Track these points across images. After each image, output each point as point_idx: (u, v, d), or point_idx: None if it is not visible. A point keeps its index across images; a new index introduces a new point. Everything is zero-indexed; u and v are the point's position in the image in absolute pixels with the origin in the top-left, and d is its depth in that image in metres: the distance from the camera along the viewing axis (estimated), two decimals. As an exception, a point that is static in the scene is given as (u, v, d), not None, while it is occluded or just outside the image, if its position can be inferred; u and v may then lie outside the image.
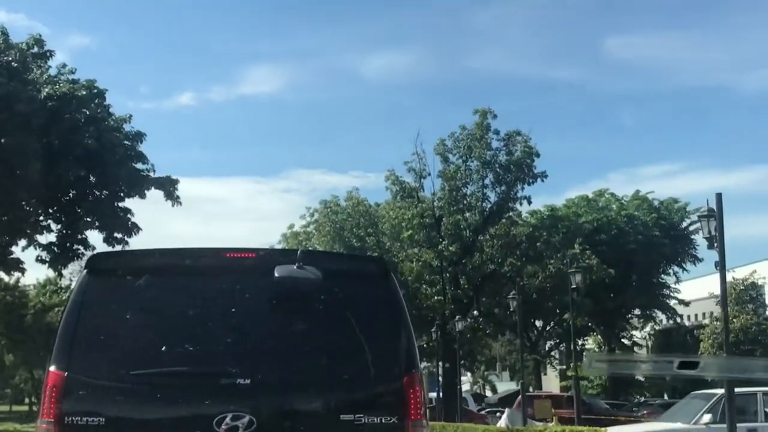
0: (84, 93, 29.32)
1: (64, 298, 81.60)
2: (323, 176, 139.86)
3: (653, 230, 61.17)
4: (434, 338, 49.40)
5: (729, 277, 63.16)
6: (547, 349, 71.50)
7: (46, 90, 28.31)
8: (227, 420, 6.17)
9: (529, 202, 48.41)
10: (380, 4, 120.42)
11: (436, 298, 48.69)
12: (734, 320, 59.03)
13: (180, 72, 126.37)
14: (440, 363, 51.29)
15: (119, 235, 32.47)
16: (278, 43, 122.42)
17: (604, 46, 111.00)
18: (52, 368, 6.37)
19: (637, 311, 67.12)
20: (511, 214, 48.72)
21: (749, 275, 61.35)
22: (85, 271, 6.95)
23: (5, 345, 79.81)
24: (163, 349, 6.44)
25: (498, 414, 47.77)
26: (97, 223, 32.28)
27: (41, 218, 32.23)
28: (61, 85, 28.85)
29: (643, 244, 59.91)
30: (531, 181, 47.65)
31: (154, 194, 32.58)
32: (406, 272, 48.45)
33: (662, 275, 65.67)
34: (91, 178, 31.06)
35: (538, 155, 47.61)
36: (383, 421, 6.47)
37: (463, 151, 47.99)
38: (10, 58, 28.57)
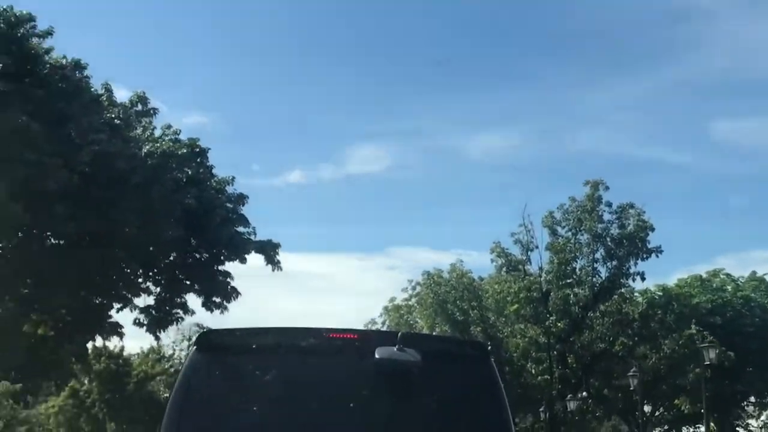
0: (185, 151, 28.42)
1: (166, 367, 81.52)
2: (426, 254, 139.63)
3: (768, 313, 58.03)
4: (542, 418, 46.80)
5: None
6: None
7: (147, 147, 27.50)
8: None
9: (643, 279, 45.73)
10: (484, 85, 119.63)
11: (542, 377, 46.39)
12: None
13: (291, 150, 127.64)
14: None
15: (218, 299, 31.41)
16: (384, 122, 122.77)
17: (712, 129, 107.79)
18: None
19: (752, 398, 63.52)
20: (623, 290, 46.12)
21: None
22: (194, 347, 7.18)
23: (107, 413, 79.38)
24: (267, 427, 6.51)
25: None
26: (196, 287, 31.26)
27: (140, 280, 31.30)
28: (163, 143, 27.96)
29: (761, 328, 56.62)
30: (645, 256, 45.17)
31: (255, 263, 31.54)
32: (511, 348, 46.45)
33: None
34: (192, 240, 30.04)
35: (652, 229, 45.24)
36: None
37: (572, 224, 45.91)
38: (113, 116, 27.90)
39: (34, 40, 27.53)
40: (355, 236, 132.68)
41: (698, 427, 72.92)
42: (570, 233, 46.01)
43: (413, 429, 6.62)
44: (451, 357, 7.17)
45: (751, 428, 66.92)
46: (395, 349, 6.53)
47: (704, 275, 60.56)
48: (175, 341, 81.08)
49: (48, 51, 27.74)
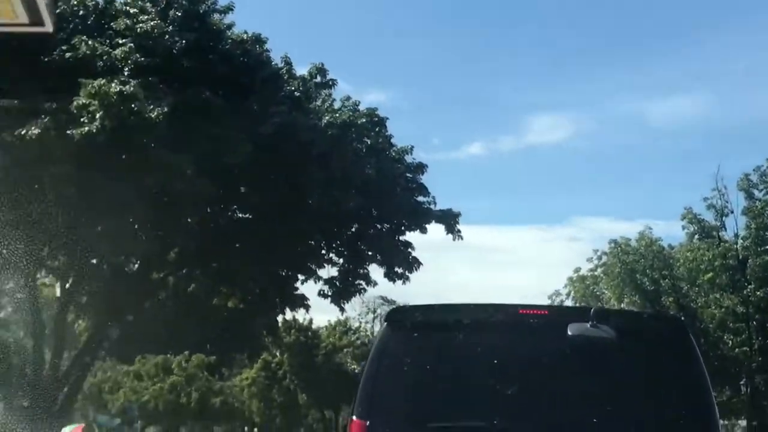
0: (364, 121, 28.04)
1: (352, 339, 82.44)
2: (609, 224, 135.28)
3: None
4: (742, 393, 44.42)
5: None
6: None
7: (327, 118, 27.24)
8: None
9: None
10: (664, 50, 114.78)
11: (740, 349, 43.97)
12: None
13: (470, 123, 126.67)
14: (748, 421, 46.40)
15: (400, 270, 31.04)
16: (563, 91, 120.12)
17: None
18: (355, 417, 6.45)
19: None
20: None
21: None
22: (385, 324, 7.08)
23: (298, 385, 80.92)
24: (459, 403, 6.42)
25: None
26: (378, 257, 30.97)
27: (323, 252, 31.28)
28: (342, 113, 27.66)
29: None
30: None
31: (435, 234, 30.98)
32: (706, 319, 44.16)
33: None
34: (373, 211, 29.72)
35: None
36: None
37: (771, 186, 43.21)
38: (293, 88, 27.79)
39: (216, 16, 27.72)
40: (536, 207, 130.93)
41: None
42: (764, 201, 43.28)
43: (609, 409, 6.31)
44: (647, 334, 6.87)
45: None
46: (588, 326, 6.36)
47: None
48: (361, 314, 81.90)
49: (229, 26, 27.92)
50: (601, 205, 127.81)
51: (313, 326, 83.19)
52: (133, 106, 23.70)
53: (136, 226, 27.32)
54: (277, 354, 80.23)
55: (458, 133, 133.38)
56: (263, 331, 67.45)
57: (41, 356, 28.58)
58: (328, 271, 31.62)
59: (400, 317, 7.24)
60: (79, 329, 31.48)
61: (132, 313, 33.58)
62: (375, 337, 7.51)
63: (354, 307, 78.73)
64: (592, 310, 6.69)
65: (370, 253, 30.91)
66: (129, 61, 24.65)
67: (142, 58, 24.79)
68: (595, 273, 55.97)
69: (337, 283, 31.52)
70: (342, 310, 32.08)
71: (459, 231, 30.89)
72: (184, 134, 24.50)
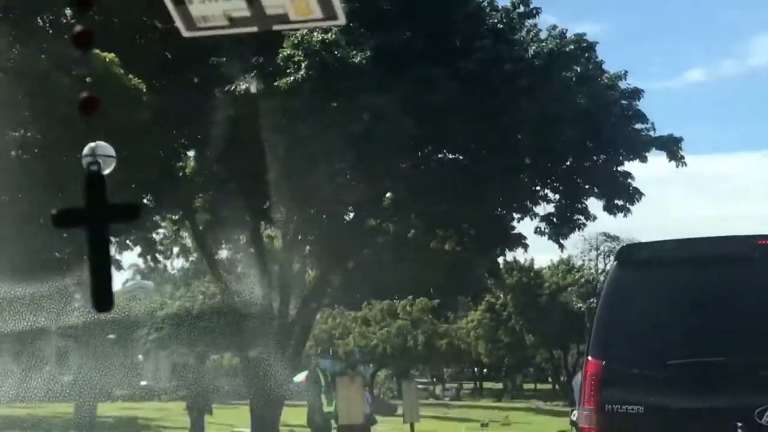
0: (572, 47, 26.77)
1: (576, 277, 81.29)
2: None
3: None
4: None
5: None
6: None
7: (532, 48, 26.20)
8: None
9: None
10: None
11: None
12: None
13: (689, 48, 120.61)
14: None
15: (620, 202, 29.68)
16: None
17: None
18: (590, 358, 6.41)
19: None
20: None
21: None
22: (615, 262, 7.03)
23: (524, 325, 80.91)
24: (697, 339, 6.25)
25: None
26: (595, 190, 29.73)
27: (538, 188, 30.35)
28: (549, 41, 26.54)
29: None
30: None
31: (655, 164, 29.40)
32: None
33: None
34: (587, 142, 28.51)
35: None
36: None
37: None
38: (495, 20, 26.92)
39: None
40: (762, 132, 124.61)
41: None
42: None
43: None
44: None
45: None
46: None
47: None
48: (583, 251, 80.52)
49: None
50: None
51: (535, 266, 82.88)
52: (336, 52, 23.62)
53: (347, 175, 27.32)
54: (501, 296, 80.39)
55: (676, 60, 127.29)
56: (485, 274, 67.39)
57: (270, 306, 29.29)
58: (544, 208, 30.59)
59: (630, 255, 7.17)
60: (307, 278, 32.01)
61: (352, 260, 33.80)
62: (605, 276, 7.59)
63: (576, 245, 77.48)
64: None
65: (587, 186, 29.59)
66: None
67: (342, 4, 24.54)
68: None
69: (555, 219, 30.46)
70: (561, 246, 31.05)
71: (682, 157, 29.14)
72: (387, 77, 24.12)
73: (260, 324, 28.66)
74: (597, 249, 79.48)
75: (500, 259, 65.50)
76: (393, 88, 24.00)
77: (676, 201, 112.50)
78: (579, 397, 13.78)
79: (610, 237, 74.88)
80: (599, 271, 76.88)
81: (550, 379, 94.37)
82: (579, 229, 30.91)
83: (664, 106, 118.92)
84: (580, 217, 30.70)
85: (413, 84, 24.25)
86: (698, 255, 6.59)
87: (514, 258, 79.73)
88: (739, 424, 5.89)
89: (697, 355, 6.22)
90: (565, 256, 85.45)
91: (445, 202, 29.93)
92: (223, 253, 39.21)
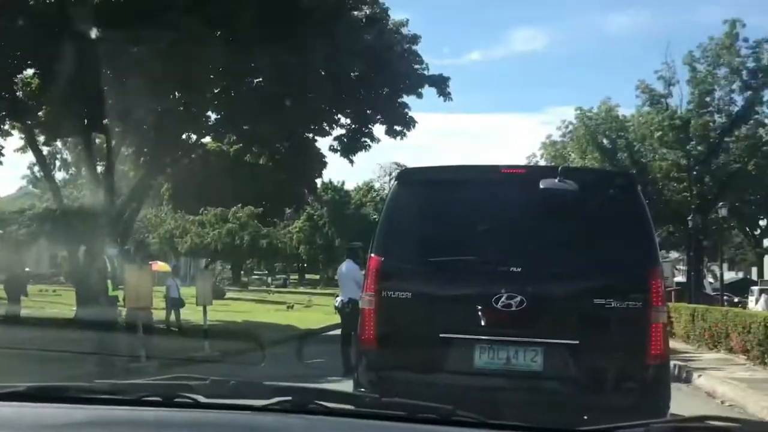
0: (361, -12, 23.06)
1: (374, 195, 79.40)
2: (574, 111, 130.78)
3: None
4: (683, 229, 40.06)
5: None
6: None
7: (325, -13, 22.26)
8: (503, 299, 5.71)
9: (777, 105, 37.56)
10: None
11: (681, 195, 39.64)
12: None
13: (471, 36, 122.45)
14: (687, 253, 42.51)
15: (399, 128, 26.55)
16: (543, 5, 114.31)
17: None
18: (373, 254, 6.24)
19: None
20: (758, 116, 38.14)
21: None
22: (396, 182, 6.81)
23: (335, 231, 78.75)
24: (454, 243, 6.13)
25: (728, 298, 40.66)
26: (379, 117, 26.43)
27: (334, 113, 26.73)
28: (341, -18, 22.69)
29: None
30: (780, 84, 36.93)
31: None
32: (654, 170, 39.73)
33: None
34: (373, 75, 24.98)
35: (788, 57, 36.80)
36: (629, 306, 5.71)
37: (711, 60, 37.97)
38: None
39: None
40: (520, 99, 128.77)
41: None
42: (708, 69, 38.10)
43: (574, 244, 6.02)
44: (603, 186, 6.52)
45: None
46: (557, 181, 5.96)
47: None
48: (379, 176, 79.26)
49: None
50: (569, 97, 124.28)
51: (345, 187, 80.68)
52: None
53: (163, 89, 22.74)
54: (319, 208, 78.17)
55: (463, 44, 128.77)
56: (305, 190, 63.68)
57: (103, 205, 24.52)
58: (338, 132, 27.26)
59: (407, 176, 6.94)
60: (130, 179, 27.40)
61: (172, 168, 29.43)
62: (389, 193, 7.14)
63: (374, 171, 76.99)
64: (559, 167, 6.86)
65: (371, 112, 26.29)
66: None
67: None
68: (564, 140, 52.19)
69: (345, 140, 27.10)
70: (351, 162, 27.73)
71: (449, 93, 26.31)
72: (195, 2, 19.76)
73: (93, 221, 24.02)
74: (389, 174, 77.96)
75: (318, 180, 62.31)
76: (199, 12, 19.62)
77: (451, 148, 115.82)
78: (351, 286, 12.94)
79: (399, 165, 74.71)
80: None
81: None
82: (366, 149, 27.70)
83: (456, 78, 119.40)
84: (367, 139, 27.56)
85: (218, 7, 19.94)
86: (459, 178, 6.46)
87: (330, 179, 78.24)
88: (479, 307, 5.82)
89: (452, 254, 6.03)
90: (367, 179, 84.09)
91: (254, 122, 25.95)
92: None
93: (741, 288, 54.67)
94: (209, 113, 26.39)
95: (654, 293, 5.75)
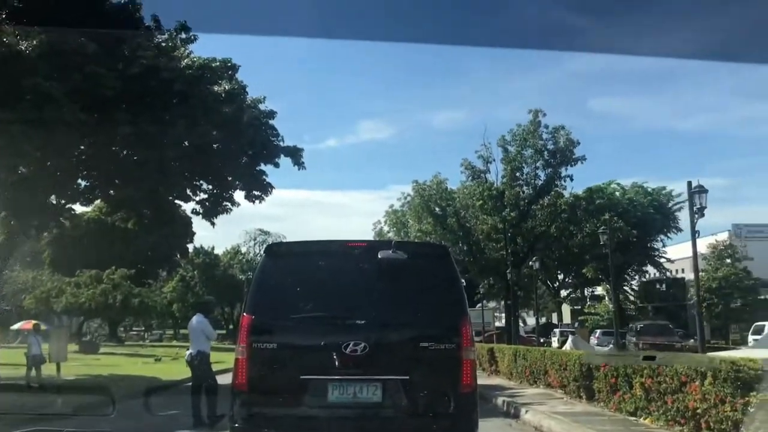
0: (218, 64, 21.39)
1: (240, 258, 76.25)
2: (411, 184, 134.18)
3: (648, 209, 51.54)
4: (510, 278, 40.22)
5: (712, 240, 54.27)
6: (564, 295, 62.51)
7: (185, 61, 20.48)
8: (350, 346, 6.06)
9: (571, 180, 38.91)
10: (441, 79, 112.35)
11: (499, 253, 39.98)
12: (718, 272, 49.71)
13: (330, 125, 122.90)
14: (504, 301, 42.70)
15: (257, 193, 24.74)
16: (385, 103, 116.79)
17: (589, 102, 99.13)
18: (245, 313, 6.41)
19: (636, 267, 57.37)
20: (557, 189, 39.27)
21: (728, 238, 51.80)
22: (264, 254, 6.93)
23: (205, 291, 74.83)
24: (312, 302, 6.32)
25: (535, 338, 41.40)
26: (238, 183, 24.55)
27: (195, 180, 24.56)
28: (199, 58, 20.95)
29: (641, 219, 49.95)
30: (572, 163, 38.29)
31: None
32: (478, 232, 40.00)
33: (653, 241, 55.70)
34: (232, 145, 23.19)
35: (578, 143, 38.37)
36: (446, 347, 6.24)
37: (519, 142, 38.99)
38: (160, 39, 20.90)
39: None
40: (367, 179, 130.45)
41: (595, 288, 67.58)
42: (517, 149, 39.07)
43: (404, 301, 6.44)
44: (425, 256, 7.11)
45: (634, 286, 61.65)
46: (391, 252, 6.42)
47: (602, 184, 54.21)
48: (245, 241, 76.59)
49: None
50: (407, 177, 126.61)
51: (215, 251, 77.22)
52: (4, 39, 16.58)
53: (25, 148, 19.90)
54: (190, 270, 74.19)
55: (322, 131, 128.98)
56: (177, 254, 59.85)
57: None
58: (200, 196, 25.05)
59: (274, 249, 7.10)
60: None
61: (37, 233, 26.03)
62: (258, 263, 7.19)
63: (241, 237, 74.57)
64: (393, 242, 6.70)
65: (231, 179, 24.36)
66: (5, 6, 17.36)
67: (17, 3, 17.52)
68: (403, 209, 52.46)
69: (207, 204, 24.92)
70: (213, 224, 25.51)
71: (303, 163, 24.81)
72: (59, 69, 17.41)
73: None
74: (254, 239, 75.43)
75: (190, 245, 58.78)
76: (63, 77, 17.29)
77: (312, 220, 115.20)
78: (201, 339, 12.16)
79: (263, 232, 72.93)
80: (256, 254, 73.65)
81: (224, 326, 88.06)
82: (227, 213, 25.59)
83: (315, 160, 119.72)
84: (228, 203, 25.51)
85: (83, 77, 17.66)
86: (315, 250, 6.73)
87: (201, 245, 74.69)
88: (332, 353, 6.05)
89: (310, 312, 6.23)
90: (234, 244, 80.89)
91: (120, 187, 23.37)
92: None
93: (545, 331, 56.34)
94: (79, 180, 23.57)
95: (464, 337, 6.27)
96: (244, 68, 24.31)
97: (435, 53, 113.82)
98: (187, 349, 13.09)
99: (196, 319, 12.60)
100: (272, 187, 24.77)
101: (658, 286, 64.87)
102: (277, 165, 25.00)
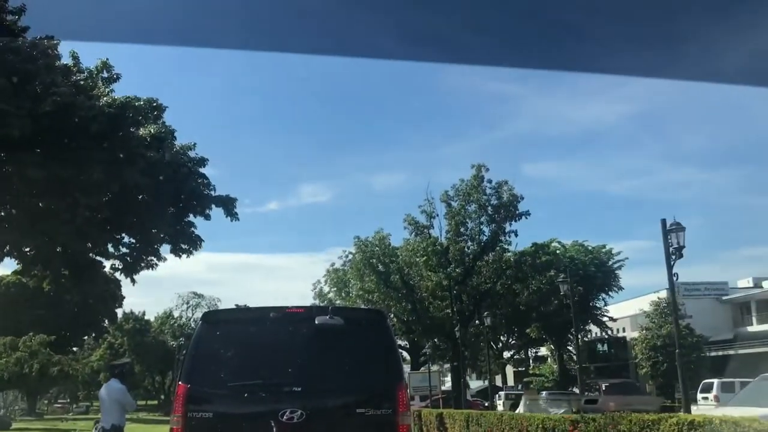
0: (142, 104, 19.63)
1: (173, 323, 72.41)
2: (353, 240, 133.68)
3: (590, 267, 51.11)
4: (458, 337, 38.60)
5: (655, 297, 54.15)
6: (508, 356, 61.22)
7: (105, 99, 18.67)
8: (287, 413, 6.05)
9: (516, 235, 38.04)
10: (381, 144, 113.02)
11: (444, 312, 38.55)
12: (662, 329, 49.33)
13: (270, 188, 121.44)
14: (450, 363, 41.02)
15: (185, 246, 22.69)
16: (325, 167, 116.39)
17: (521, 168, 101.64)
18: (180, 382, 6.30)
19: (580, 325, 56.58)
20: (501, 244, 38.33)
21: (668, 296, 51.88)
22: (201, 321, 6.89)
23: (135, 358, 70.37)
24: (249, 370, 6.33)
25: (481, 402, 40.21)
26: (163, 236, 22.42)
27: (116, 233, 22.37)
28: (121, 97, 19.17)
29: (583, 277, 49.44)
30: (517, 218, 37.54)
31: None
32: (422, 289, 38.52)
33: (595, 300, 55.19)
34: (157, 193, 21.21)
35: (522, 198, 37.71)
36: (383, 412, 6.29)
37: (463, 197, 38.16)
38: (79, 78, 19.11)
39: (9, 17, 18.62)
40: (306, 241, 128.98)
41: (538, 349, 66.61)
42: (461, 204, 38.20)
43: (340, 367, 6.39)
44: (362, 321, 7.23)
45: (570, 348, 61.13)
46: (328, 318, 6.42)
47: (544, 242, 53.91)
48: (177, 305, 72.92)
49: (24, 30, 18.83)
50: (347, 239, 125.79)
51: (146, 317, 73.10)
52: None
53: None
54: (119, 336, 69.92)
55: (263, 194, 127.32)
56: (105, 319, 56.27)
57: None
58: (121, 249, 22.77)
59: (211, 317, 7.24)
60: None
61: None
62: (195, 330, 7.01)
63: (172, 300, 71.30)
64: (330, 308, 6.75)
65: (156, 231, 22.24)
66: None
67: None
68: (344, 268, 50.81)
69: (129, 259, 22.66)
70: (133, 281, 23.15)
71: (236, 214, 23.03)
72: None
73: None
74: (187, 303, 71.82)
75: (119, 310, 55.37)
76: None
77: (251, 282, 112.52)
78: (114, 409, 10.25)
79: (197, 295, 69.74)
80: (188, 318, 70.01)
81: (155, 396, 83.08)
82: (152, 268, 23.40)
83: (252, 225, 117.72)
84: (153, 258, 23.33)
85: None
86: (252, 317, 6.79)
87: (131, 310, 70.68)
88: (271, 422, 5.98)
89: (246, 379, 6.18)
90: (167, 308, 76.90)
91: (30, 239, 21.00)
92: None
93: (487, 394, 54.64)
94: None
95: (400, 402, 6.31)
96: (173, 112, 22.79)
97: (365, 122, 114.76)
98: (96, 422, 10.92)
99: (109, 387, 10.43)
100: (202, 240, 22.91)
101: (599, 345, 64.49)
102: (208, 217, 23.17)
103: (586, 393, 30.23)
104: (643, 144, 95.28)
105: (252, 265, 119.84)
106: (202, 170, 22.65)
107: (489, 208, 37.33)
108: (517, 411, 23.50)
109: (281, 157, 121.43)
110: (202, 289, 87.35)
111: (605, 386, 28.05)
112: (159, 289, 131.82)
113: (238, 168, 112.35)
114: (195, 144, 22.67)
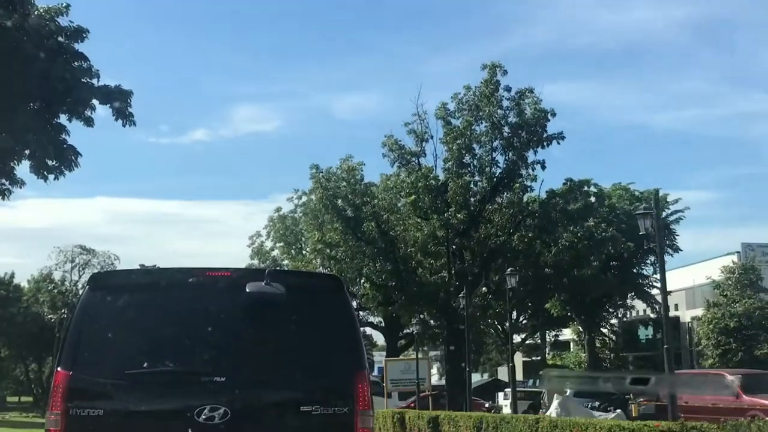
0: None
1: (51, 288, 70.38)
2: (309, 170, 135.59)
3: (634, 220, 49.23)
4: (462, 306, 36.69)
5: (729, 261, 53.12)
6: (520, 339, 60.20)
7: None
8: (205, 412, 6.14)
9: (543, 168, 35.93)
10: (346, 54, 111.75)
11: (438, 275, 36.74)
12: (736, 305, 48.42)
13: (195, 110, 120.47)
14: (445, 347, 39.49)
15: (53, 163, 20.24)
16: (266, 84, 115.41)
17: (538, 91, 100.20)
18: (60, 369, 6.36)
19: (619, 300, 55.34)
20: (522, 180, 36.27)
21: (750, 259, 50.94)
22: (87, 287, 6.90)
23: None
24: (154, 352, 6.37)
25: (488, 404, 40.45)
26: (16, 146, 19.88)
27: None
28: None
29: (625, 232, 47.69)
30: (545, 143, 35.44)
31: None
32: (408, 243, 36.53)
33: (641, 266, 53.71)
34: (10, 83, 18.62)
35: (554, 114, 35.51)
36: (336, 411, 6.45)
37: (469, 112, 35.86)
38: None
39: None
40: (243, 185, 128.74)
41: (561, 331, 65.95)
42: (466, 121, 35.96)
43: (279, 350, 6.54)
44: (311, 290, 7.11)
45: (615, 327, 60.22)
46: (263, 284, 6.51)
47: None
48: (58, 263, 69.95)
49: None
50: (298, 183, 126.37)
51: (15, 281, 70.63)
52: None
53: None
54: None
55: (185, 121, 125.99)
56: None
57: None
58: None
59: (101, 280, 7.07)
60: None
61: None
62: (78, 298, 7.12)
63: (52, 257, 68.96)
64: (266, 270, 6.79)
65: (5, 136, 19.61)
66: None
67: None
68: (295, 215, 48.88)
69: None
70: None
71: (131, 115, 20.61)
72: None
73: None
74: (72, 261, 69.46)
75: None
76: None
77: (170, 239, 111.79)
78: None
79: (86, 250, 67.29)
80: (73, 282, 67.98)
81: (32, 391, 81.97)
82: (3, 197, 20.88)
83: (170, 161, 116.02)
84: (5, 181, 20.81)
85: None
86: (159, 282, 6.67)
87: (-6, 271, 68.04)
88: (184, 423, 6.05)
89: (152, 366, 6.22)
90: (43, 268, 73.99)
91: None
92: None
93: (488, 391, 53.65)
94: None
95: (361, 398, 6.52)
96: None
97: (324, 22, 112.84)
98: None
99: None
100: (78, 154, 20.48)
101: (642, 328, 63.92)
102: (89, 121, 20.82)
103: (640, 399, 28.47)
104: (702, 62, 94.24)
105: (169, 216, 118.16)
106: (80, 49, 20.02)
107: (506, 127, 35.27)
108: (549, 413, 21.98)
109: (211, 67, 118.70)
110: (100, 247, 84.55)
111: (738, 381, 23.34)
112: (38, 248, 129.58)
113: (151, 81, 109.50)
114: (68, 6, 19.95)
